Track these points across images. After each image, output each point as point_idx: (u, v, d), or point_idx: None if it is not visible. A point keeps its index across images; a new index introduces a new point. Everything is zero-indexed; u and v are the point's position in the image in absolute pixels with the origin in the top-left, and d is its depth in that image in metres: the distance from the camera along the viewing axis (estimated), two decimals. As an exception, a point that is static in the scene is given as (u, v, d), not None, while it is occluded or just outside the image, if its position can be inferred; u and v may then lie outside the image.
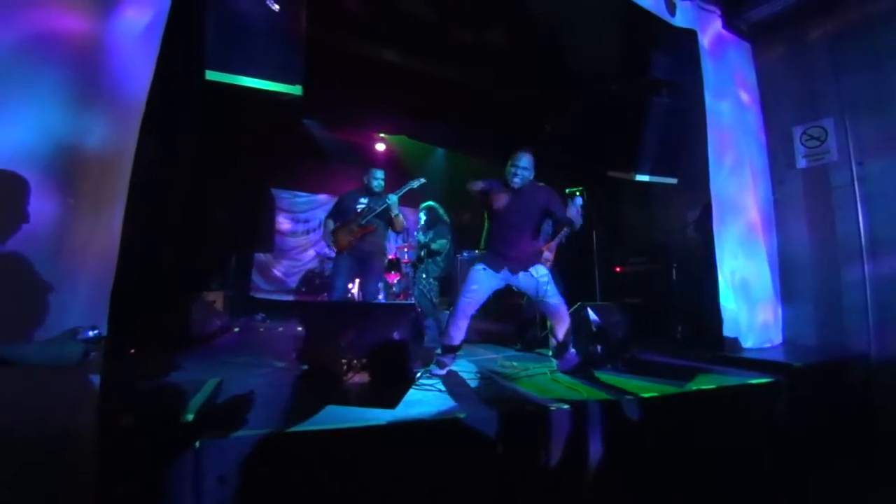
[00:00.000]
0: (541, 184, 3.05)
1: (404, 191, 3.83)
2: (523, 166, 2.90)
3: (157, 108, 2.02)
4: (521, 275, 2.93)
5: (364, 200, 3.82)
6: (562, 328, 2.96)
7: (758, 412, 2.63)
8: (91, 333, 1.31)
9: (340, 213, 3.88)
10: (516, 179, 2.89)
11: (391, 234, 4.08)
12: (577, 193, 2.99)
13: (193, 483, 1.48)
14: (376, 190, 3.85)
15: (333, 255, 3.90)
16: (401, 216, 3.84)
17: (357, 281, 4.02)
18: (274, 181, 7.56)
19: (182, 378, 2.45)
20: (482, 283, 2.90)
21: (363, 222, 3.73)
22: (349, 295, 4.05)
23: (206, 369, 2.83)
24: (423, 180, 3.89)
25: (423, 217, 4.70)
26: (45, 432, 1.43)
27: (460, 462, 1.83)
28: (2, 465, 1.34)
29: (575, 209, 2.89)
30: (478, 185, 2.99)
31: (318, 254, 7.52)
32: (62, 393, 1.48)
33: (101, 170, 1.77)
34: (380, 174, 3.88)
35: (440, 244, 4.59)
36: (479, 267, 2.93)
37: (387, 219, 3.82)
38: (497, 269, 2.91)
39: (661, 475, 2.20)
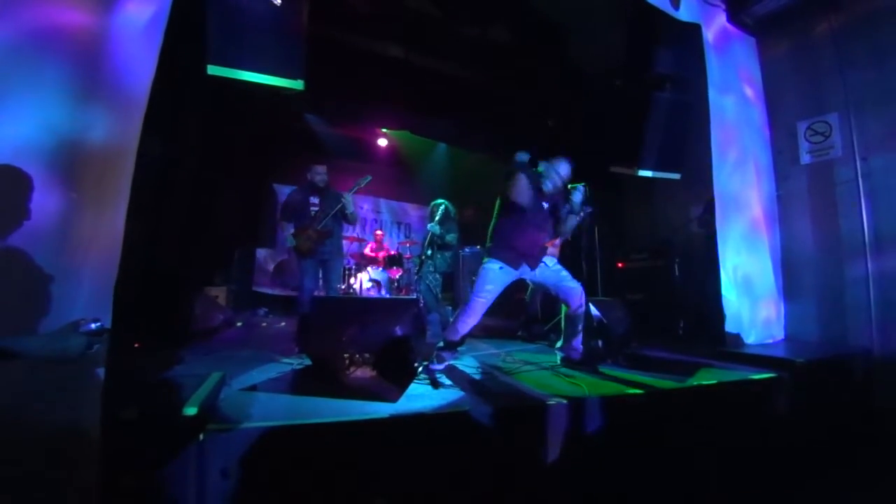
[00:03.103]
0: None
1: (356, 188, 3.98)
2: (563, 176, 2.93)
3: (160, 103, 2.02)
4: (538, 269, 2.94)
5: (315, 200, 3.89)
6: (580, 305, 2.95)
7: (759, 408, 2.63)
8: (93, 326, 1.32)
9: (292, 214, 3.95)
10: (549, 184, 2.90)
11: (392, 231, 4.16)
12: (580, 188, 2.98)
13: (197, 476, 1.49)
14: (321, 185, 3.93)
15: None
16: (355, 211, 4.03)
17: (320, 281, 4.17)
18: (275, 176, 7.56)
19: (185, 372, 2.46)
20: (497, 281, 2.84)
21: (320, 227, 3.81)
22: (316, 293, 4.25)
23: (209, 363, 2.85)
24: (369, 178, 4.08)
25: (439, 211, 4.70)
26: (49, 425, 1.43)
27: (462, 455, 1.84)
28: (6, 460, 1.35)
29: (578, 205, 2.90)
30: (522, 183, 2.77)
31: None
32: (66, 386, 1.49)
33: (104, 164, 1.78)
34: (322, 169, 3.98)
35: (452, 237, 4.61)
36: (495, 266, 2.83)
37: (341, 216, 3.95)
38: (515, 267, 2.87)
39: (662, 470, 2.21)
